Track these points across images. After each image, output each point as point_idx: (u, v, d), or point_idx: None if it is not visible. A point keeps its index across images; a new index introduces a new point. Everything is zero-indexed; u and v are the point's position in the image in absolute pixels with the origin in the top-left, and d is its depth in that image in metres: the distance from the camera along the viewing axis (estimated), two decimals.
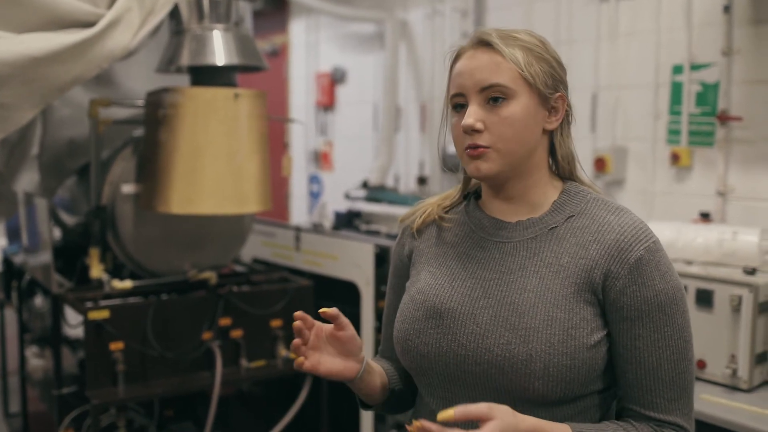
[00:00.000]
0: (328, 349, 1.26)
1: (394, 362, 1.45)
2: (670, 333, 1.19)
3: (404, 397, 1.43)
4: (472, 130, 1.21)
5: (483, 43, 1.24)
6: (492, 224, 1.30)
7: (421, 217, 1.39)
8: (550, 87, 1.24)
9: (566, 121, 1.29)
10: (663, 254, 1.22)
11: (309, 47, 5.69)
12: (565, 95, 1.27)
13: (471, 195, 1.38)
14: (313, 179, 5.68)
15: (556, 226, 1.26)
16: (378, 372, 1.38)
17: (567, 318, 1.18)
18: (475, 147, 1.22)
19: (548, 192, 1.29)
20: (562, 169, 1.31)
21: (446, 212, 1.38)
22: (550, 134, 1.28)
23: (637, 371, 1.19)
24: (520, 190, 1.28)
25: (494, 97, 1.21)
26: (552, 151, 1.30)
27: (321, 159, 5.61)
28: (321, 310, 1.23)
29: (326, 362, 1.26)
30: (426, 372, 1.27)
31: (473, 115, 1.21)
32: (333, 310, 1.22)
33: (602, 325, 1.21)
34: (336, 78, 5.39)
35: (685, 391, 1.21)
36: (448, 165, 1.45)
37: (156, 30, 2.69)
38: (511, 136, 1.21)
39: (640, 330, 1.19)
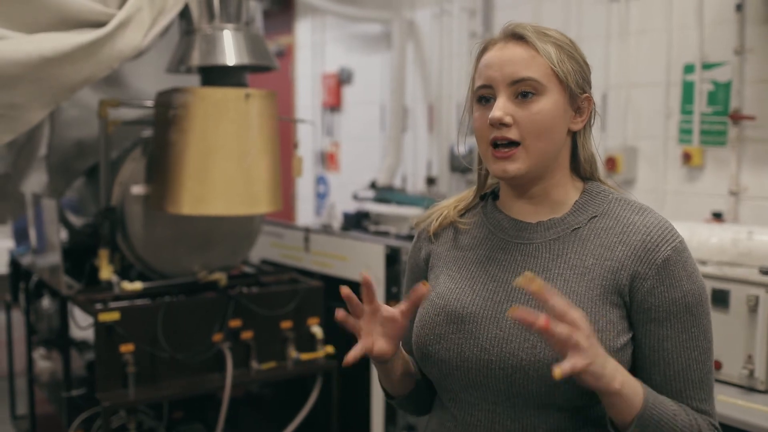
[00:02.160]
0: (377, 329, 1.21)
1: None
2: (696, 334, 1.18)
3: (426, 396, 1.40)
4: (500, 124, 1.18)
5: (516, 36, 1.21)
6: (512, 225, 1.28)
7: (437, 220, 1.36)
8: (580, 86, 1.22)
9: (588, 122, 1.27)
10: (689, 254, 1.20)
11: (315, 48, 5.67)
12: (591, 96, 1.25)
13: (488, 196, 1.36)
14: (320, 180, 5.67)
15: (579, 227, 1.24)
16: (404, 358, 1.33)
17: (593, 321, 1.16)
18: (504, 146, 1.19)
19: (570, 192, 1.27)
20: (584, 171, 1.29)
21: (462, 215, 1.35)
22: (573, 135, 1.26)
23: (666, 373, 1.18)
24: (542, 190, 1.25)
25: (524, 91, 1.18)
26: (573, 152, 1.28)
27: (327, 160, 5.60)
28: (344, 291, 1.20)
29: (378, 343, 1.20)
30: (447, 378, 1.25)
31: (502, 108, 1.18)
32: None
33: (627, 327, 1.19)
34: (342, 78, 5.38)
35: (712, 391, 1.21)
36: (462, 164, 1.43)
37: (166, 30, 2.68)
38: (540, 132, 1.19)
39: (668, 331, 1.17)
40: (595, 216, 1.24)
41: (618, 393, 1.08)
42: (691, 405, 1.18)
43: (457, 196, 1.40)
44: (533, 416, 1.18)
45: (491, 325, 1.20)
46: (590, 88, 1.26)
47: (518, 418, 1.19)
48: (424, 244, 1.39)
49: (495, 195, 1.35)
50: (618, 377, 1.08)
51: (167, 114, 2.72)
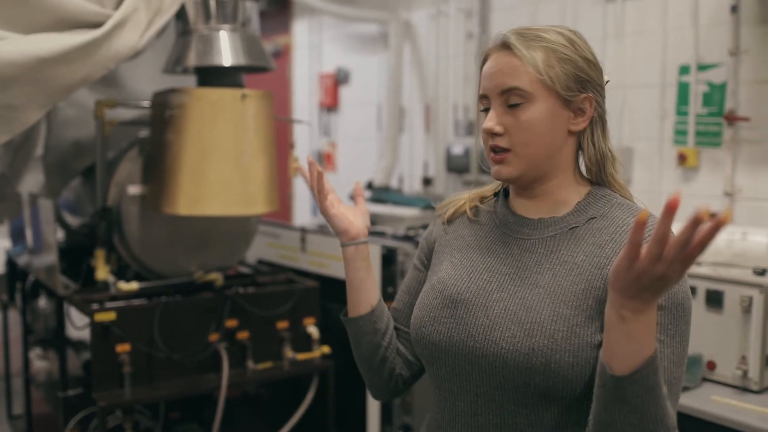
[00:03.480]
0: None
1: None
2: (672, 333, 1.16)
3: (381, 359, 1.43)
4: (492, 134, 1.24)
5: (504, 46, 1.24)
6: (515, 221, 1.32)
7: (453, 207, 1.43)
8: (573, 89, 1.22)
9: (599, 121, 1.26)
10: None
11: (312, 48, 5.68)
12: (592, 96, 1.24)
13: (502, 191, 1.40)
14: None
15: (576, 226, 1.26)
16: (376, 287, 1.42)
17: (573, 315, 1.17)
18: (497, 151, 1.24)
19: (573, 193, 1.29)
20: (590, 171, 1.29)
21: (476, 206, 1.41)
22: (578, 135, 1.27)
23: None
24: (544, 190, 1.29)
25: (513, 101, 1.22)
26: (578, 152, 1.29)
27: (324, 160, 5.61)
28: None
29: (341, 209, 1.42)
30: (436, 361, 1.29)
31: (493, 119, 1.24)
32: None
33: None
34: (339, 79, 5.39)
35: (676, 400, 1.17)
36: (453, 166, 1.48)
37: (163, 30, 2.68)
38: (530, 140, 1.22)
39: None
40: (594, 217, 1.26)
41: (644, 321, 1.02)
42: None
43: (478, 189, 1.46)
44: (514, 411, 1.21)
45: (480, 312, 1.24)
46: (595, 86, 1.25)
47: (499, 412, 1.22)
48: (437, 228, 1.46)
49: (507, 191, 1.39)
50: (653, 315, 1.02)
51: (164, 114, 2.73)
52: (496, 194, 1.41)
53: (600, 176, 1.29)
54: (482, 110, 1.29)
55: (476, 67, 1.39)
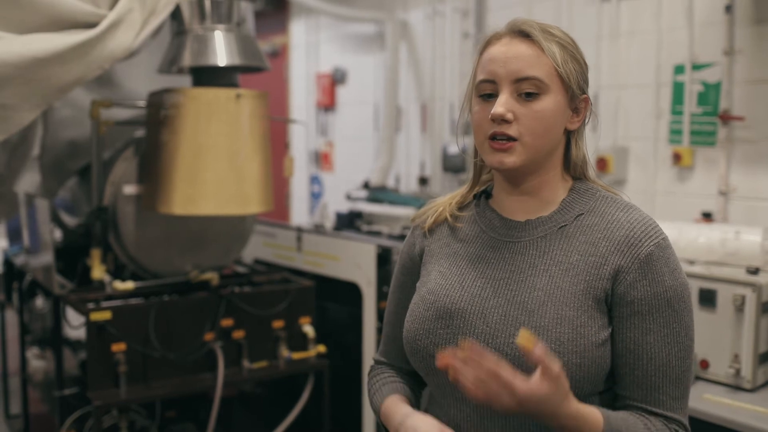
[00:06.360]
0: None
1: (397, 364, 1.45)
2: (678, 330, 1.19)
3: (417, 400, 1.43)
4: (501, 120, 1.19)
5: (522, 33, 1.22)
6: (502, 224, 1.30)
7: (432, 216, 1.39)
8: (580, 87, 1.24)
9: (583, 123, 1.29)
10: (672, 251, 1.22)
11: (309, 48, 5.69)
12: (589, 97, 1.27)
13: (481, 194, 1.38)
14: (314, 180, 5.68)
15: (565, 225, 1.26)
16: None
17: (576, 316, 1.18)
18: (502, 139, 1.20)
19: (559, 190, 1.29)
20: (574, 169, 1.30)
21: (457, 212, 1.38)
22: (567, 134, 1.28)
23: (648, 367, 1.19)
24: (534, 186, 1.27)
25: (528, 90, 1.19)
26: (566, 151, 1.29)
27: (321, 159, 5.61)
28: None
29: None
30: (435, 372, 1.26)
31: (504, 105, 1.19)
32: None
33: (608, 323, 1.20)
34: (336, 78, 5.39)
35: (687, 391, 1.22)
36: (455, 164, 1.46)
37: (158, 31, 2.69)
38: (540, 131, 1.20)
39: (650, 325, 1.18)
40: (582, 214, 1.26)
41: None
42: (666, 402, 1.19)
43: (452, 192, 1.42)
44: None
45: (478, 320, 1.23)
46: (587, 87, 1.28)
47: (505, 414, 1.21)
48: (419, 239, 1.41)
49: (488, 194, 1.37)
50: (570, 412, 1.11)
51: (159, 114, 2.73)
52: (476, 197, 1.38)
53: (584, 175, 1.31)
54: (483, 96, 1.23)
55: (473, 59, 1.33)
